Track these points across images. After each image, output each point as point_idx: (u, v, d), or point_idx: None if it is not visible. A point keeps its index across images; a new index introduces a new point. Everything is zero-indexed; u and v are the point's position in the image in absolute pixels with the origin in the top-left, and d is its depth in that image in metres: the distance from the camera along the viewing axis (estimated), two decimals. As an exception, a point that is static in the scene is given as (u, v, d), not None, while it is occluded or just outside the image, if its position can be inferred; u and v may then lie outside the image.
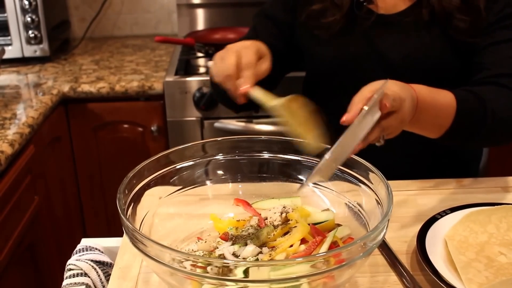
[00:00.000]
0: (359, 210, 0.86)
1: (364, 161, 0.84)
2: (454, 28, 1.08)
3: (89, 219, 2.09)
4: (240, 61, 0.93)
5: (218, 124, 1.88)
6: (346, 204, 0.88)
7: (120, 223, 0.72)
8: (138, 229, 0.77)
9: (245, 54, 0.94)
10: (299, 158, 0.91)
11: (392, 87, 0.84)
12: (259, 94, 0.90)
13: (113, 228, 2.05)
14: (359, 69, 1.16)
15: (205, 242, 0.81)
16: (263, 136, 0.91)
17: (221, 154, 0.91)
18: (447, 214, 0.94)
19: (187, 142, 0.90)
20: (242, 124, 1.86)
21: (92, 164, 2.01)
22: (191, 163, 0.90)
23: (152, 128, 1.93)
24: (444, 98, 0.97)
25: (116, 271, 0.85)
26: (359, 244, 0.68)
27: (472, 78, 1.09)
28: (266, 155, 0.92)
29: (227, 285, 0.66)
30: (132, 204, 0.80)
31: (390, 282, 0.83)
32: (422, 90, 0.92)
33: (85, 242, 0.95)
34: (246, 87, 0.91)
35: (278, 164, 0.92)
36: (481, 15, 1.07)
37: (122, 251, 0.89)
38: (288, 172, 0.91)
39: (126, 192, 0.78)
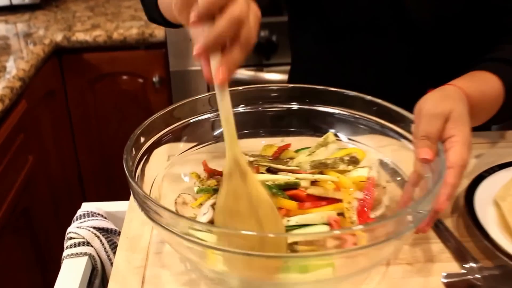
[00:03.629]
0: (396, 167, 0.77)
1: (410, 114, 0.73)
2: None
3: (87, 179, 2.04)
4: None
5: (225, 73, 1.78)
6: (380, 159, 0.79)
7: (122, 183, 0.62)
8: (148, 194, 0.67)
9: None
10: (331, 110, 0.80)
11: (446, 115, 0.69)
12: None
13: (114, 189, 2.00)
14: (374, 26, 1.01)
15: None
16: (289, 85, 0.80)
17: (242, 105, 0.81)
18: (495, 171, 0.84)
19: (192, 94, 0.79)
20: (252, 73, 1.77)
21: (89, 120, 1.94)
22: (206, 116, 0.79)
23: (154, 79, 1.86)
24: (492, 89, 0.83)
25: (123, 242, 0.75)
26: (410, 212, 0.58)
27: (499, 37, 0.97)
28: (294, 106, 0.81)
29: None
30: (140, 165, 0.70)
31: (435, 251, 0.72)
32: (470, 87, 0.78)
33: (86, 207, 0.86)
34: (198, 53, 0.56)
35: (305, 117, 0.81)
36: None
37: (129, 217, 0.79)
38: (317, 126, 0.81)
39: (134, 152, 0.68)
